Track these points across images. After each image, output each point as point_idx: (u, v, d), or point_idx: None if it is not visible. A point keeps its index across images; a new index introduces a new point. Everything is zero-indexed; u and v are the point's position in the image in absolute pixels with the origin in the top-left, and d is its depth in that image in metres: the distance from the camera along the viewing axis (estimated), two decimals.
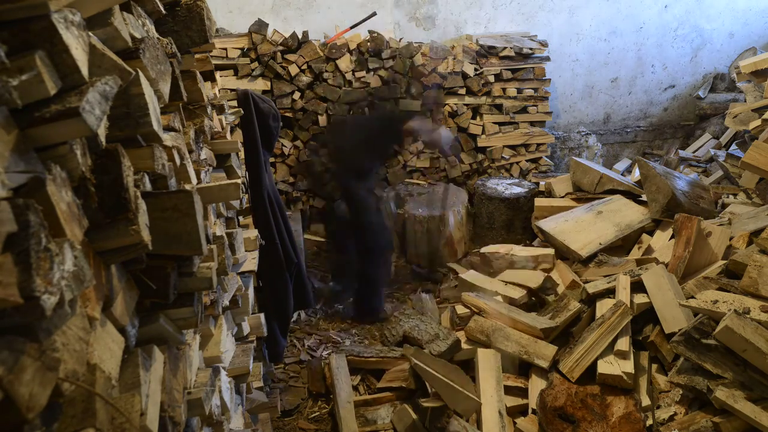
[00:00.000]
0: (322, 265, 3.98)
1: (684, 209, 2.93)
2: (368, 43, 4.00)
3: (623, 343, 2.28)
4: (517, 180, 4.30)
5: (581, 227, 3.19)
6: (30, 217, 0.56)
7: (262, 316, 2.11)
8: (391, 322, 3.01)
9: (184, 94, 1.27)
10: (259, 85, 3.91)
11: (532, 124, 4.50)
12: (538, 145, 4.53)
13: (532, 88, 4.41)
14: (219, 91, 2.09)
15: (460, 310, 2.90)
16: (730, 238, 2.57)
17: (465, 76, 4.24)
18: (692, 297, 2.21)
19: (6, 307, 0.53)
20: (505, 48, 4.25)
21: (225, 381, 1.51)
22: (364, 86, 4.08)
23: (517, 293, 2.88)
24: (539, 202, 3.71)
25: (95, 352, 0.75)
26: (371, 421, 2.43)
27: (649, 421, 2.15)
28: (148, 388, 0.87)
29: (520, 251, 3.29)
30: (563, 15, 4.77)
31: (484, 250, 3.43)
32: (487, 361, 2.46)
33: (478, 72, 4.26)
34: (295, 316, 3.39)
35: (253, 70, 3.92)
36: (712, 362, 2.01)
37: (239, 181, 1.49)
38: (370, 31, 4.07)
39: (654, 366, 2.37)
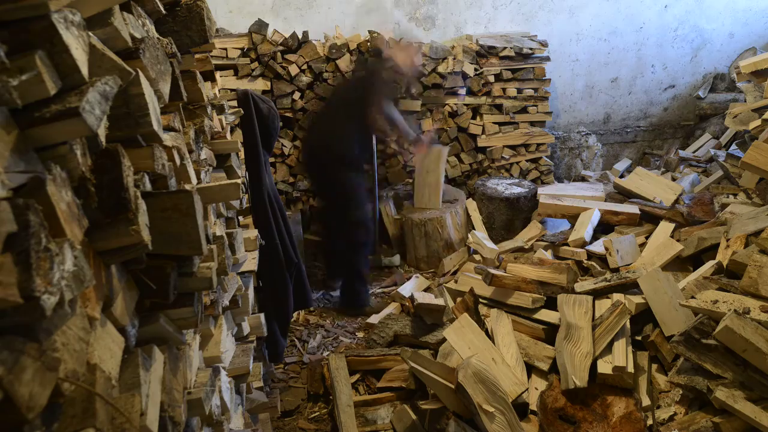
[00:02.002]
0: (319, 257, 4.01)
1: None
2: (368, 43, 4.00)
3: (622, 343, 2.28)
4: (517, 180, 4.30)
5: None
6: (30, 217, 0.56)
7: (262, 316, 2.11)
8: (377, 327, 3.01)
9: (184, 94, 1.27)
10: (259, 85, 3.91)
11: (532, 124, 4.50)
12: (538, 145, 4.53)
13: (532, 88, 4.41)
14: (219, 91, 2.09)
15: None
16: None
17: (465, 76, 4.24)
18: (692, 297, 2.21)
19: (6, 307, 0.53)
20: (505, 48, 4.25)
21: (225, 381, 1.51)
22: None
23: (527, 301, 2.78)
24: (544, 199, 3.68)
25: (95, 352, 0.75)
26: (371, 422, 2.43)
27: (649, 421, 2.15)
28: (148, 388, 0.87)
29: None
30: (563, 15, 4.77)
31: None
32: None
33: (478, 72, 4.26)
34: (294, 315, 3.40)
35: (253, 70, 3.92)
36: (712, 362, 2.01)
37: (239, 181, 1.49)
38: (370, 31, 4.07)
39: (654, 366, 2.37)
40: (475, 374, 2.09)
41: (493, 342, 2.50)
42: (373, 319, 3.28)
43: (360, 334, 3.27)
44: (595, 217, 3.31)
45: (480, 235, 3.57)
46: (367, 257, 3.60)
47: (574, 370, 2.20)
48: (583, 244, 3.13)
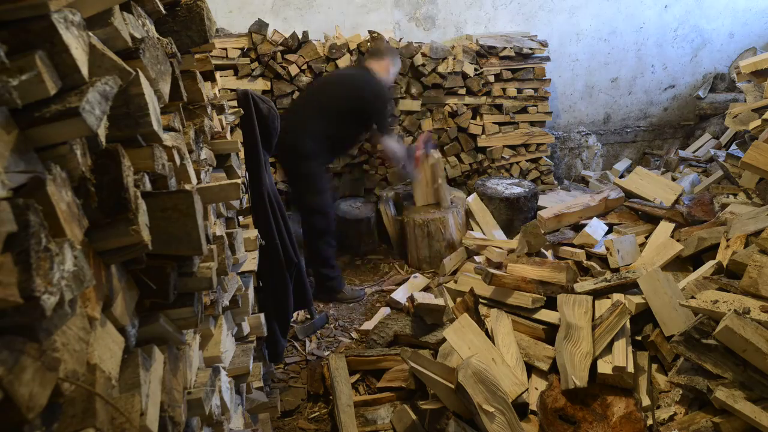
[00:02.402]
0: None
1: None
2: (368, 43, 4.00)
3: (622, 343, 2.28)
4: (517, 180, 4.30)
5: None
6: (30, 217, 0.56)
7: (262, 316, 2.11)
8: (377, 327, 3.01)
9: (184, 94, 1.27)
10: (259, 85, 3.92)
11: (532, 124, 4.50)
12: (538, 145, 4.53)
13: (532, 88, 4.41)
14: (219, 91, 2.09)
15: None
16: None
17: (465, 76, 4.24)
18: (692, 297, 2.21)
19: (6, 307, 0.53)
20: (505, 48, 4.26)
21: (225, 381, 1.51)
22: None
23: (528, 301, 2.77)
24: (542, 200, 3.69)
25: (95, 352, 0.75)
26: (371, 422, 2.43)
27: (649, 421, 2.15)
28: (148, 388, 0.87)
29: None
30: (563, 15, 4.77)
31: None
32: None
33: (478, 72, 4.26)
34: (294, 315, 3.40)
35: (253, 70, 3.92)
36: (712, 362, 2.01)
37: (239, 181, 1.49)
38: (370, 31, 4.07)
39: (654, 366, 2.37)
40: (475, 374, 2.09)
41: (493, 342, 2.50)
42: (368, 324, 3.27)
43: (355, 335, 3.27)
44: (600, 228, 3.32)
45: (478, 235, 3.57)
46: (330, 244, 3.60)
47: (573, 370, 2.20)
48: (593, 245, 3.15)
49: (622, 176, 5.07)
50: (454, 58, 4.18)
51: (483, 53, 4.28)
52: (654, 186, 3.62)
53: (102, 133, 0.73)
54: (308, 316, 3.34)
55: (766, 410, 1.86)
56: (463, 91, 4.29)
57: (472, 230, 3.88)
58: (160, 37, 1.19)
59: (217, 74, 2.13)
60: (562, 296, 2.50)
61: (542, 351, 2.44)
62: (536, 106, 4.44)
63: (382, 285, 3.82)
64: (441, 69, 4.17)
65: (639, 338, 2.43)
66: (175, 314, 1.07)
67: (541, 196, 4.22)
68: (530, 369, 2.45)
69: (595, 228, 3.29)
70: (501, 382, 2.17)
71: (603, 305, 2.48)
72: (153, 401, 0.88)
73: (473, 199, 4.02)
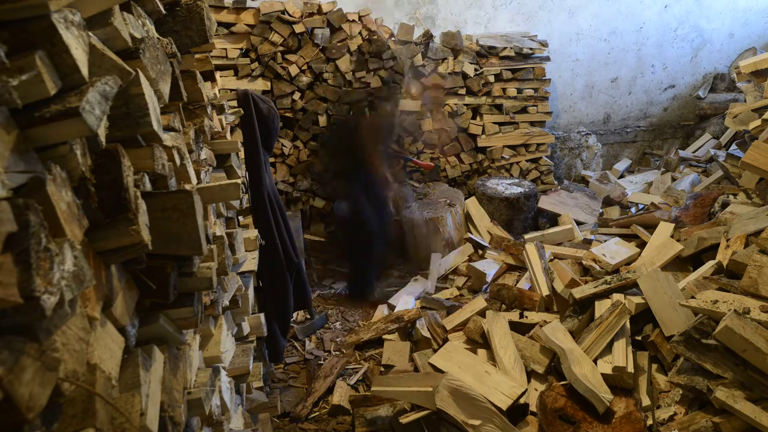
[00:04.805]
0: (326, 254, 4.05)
1: None
2: (368, 44, 4.00)
3: (622, 343, 2.28)
4: (517, 180, 4.30)
5: None
6: (30, 217, 0.56)
7: (262, 316, 2.11)
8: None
9: (184, 94, 1.27)
10: (259, 86, 3.91)
11: (532, 124, 4.50)
12: (538, 145, 4.53)
13: (532, 88, 4.41)
14: (219, 91, 2.09)
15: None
16: None
17: (465, 76, 4.24)
18: (692, 297, 2.21)
19: (6, 307, 0.53)
20: (505, 48, 4.25)
21: (225, 381, 1.51)
22: (364, 86, 4.08)
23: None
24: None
25: (95, 352, 0.75)
26: (371, 422, 2.43)
27: (649, 421, 2.15)
28: (148, 388, 0.87)
29: None
30: (563, 15, 4.77)
31: None
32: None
33: (478, 72, 4.26)
34: (294, 315, 3.40)
35: (253, 71, 3.92)
36: (712, 362, 2.01)
37: (239, 181, 1.49)
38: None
39: (654, 366, 2.37)
40: (451, 393, 2.06)
41: (490, 345, 2.49)
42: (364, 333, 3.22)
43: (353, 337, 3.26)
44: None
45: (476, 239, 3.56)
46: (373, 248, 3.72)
47: (599, 389, 2.12)
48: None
49: (622, 176, 5.07)
50: (455, 59, 4.18)
51: (483, 53, 4.28)
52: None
53: (102, 133, 0.73)
54: (308, 316, 3.34)
55: (766, 410, 1.86)
56: (463, 91, 4.29)
57: (471, 233, 3.87)
58: (160, 37, 1.19)
59: (217, 74, 2.13)
60: (547, 328, 2.43)
61: (539, 353, 2.44)
62: (536, 106, 4.43)
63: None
64: (441, 69, 4.17)
65: (639, 338, 2.43)
66: (175, 314, 1.07)
67: (542, 196, 4.22)
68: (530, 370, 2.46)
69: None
70: (497, 390, 2.16)
71: (603, 305, 2.48)
72: (153, 401, 0.88)
73: (471, 202, 4.03)
